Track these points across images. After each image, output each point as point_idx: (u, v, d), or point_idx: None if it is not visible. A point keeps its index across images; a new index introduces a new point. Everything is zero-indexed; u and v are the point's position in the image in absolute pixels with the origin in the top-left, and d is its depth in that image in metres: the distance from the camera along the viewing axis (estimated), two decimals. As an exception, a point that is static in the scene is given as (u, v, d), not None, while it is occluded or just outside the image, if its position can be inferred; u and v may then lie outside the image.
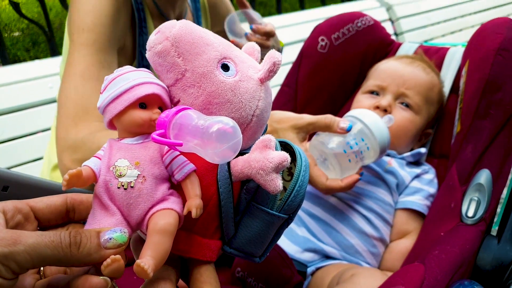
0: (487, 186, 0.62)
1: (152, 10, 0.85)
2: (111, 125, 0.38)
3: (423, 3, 2.83)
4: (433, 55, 0.91)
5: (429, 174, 0.76)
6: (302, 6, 2.56)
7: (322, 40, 0.88)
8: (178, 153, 0.36)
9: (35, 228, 0.37)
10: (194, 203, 0.35)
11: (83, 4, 0.74)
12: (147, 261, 0.32)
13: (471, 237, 0.58)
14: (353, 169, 0.66)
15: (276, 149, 0.38)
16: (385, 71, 0.82)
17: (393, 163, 0.75)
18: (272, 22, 2.01)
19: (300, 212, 0.72)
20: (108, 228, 0.34)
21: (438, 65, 0.89)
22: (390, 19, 2.61)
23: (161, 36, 0.38)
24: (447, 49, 0.91)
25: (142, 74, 0.38)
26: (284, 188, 0.40)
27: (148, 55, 0.39)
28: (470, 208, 0.62)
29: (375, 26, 0.94)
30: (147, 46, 0.40)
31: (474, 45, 0.76)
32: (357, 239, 0.69)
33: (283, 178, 0.42)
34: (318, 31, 0.90)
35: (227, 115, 0.38)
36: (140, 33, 0.80)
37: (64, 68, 0.73)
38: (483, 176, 0.63)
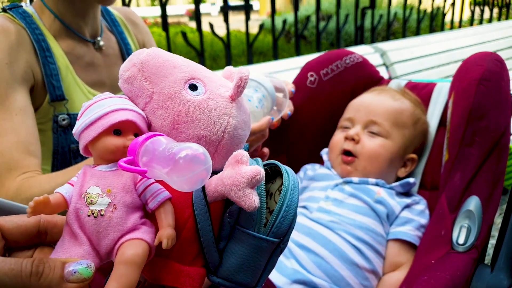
0: (476, 212, 0.61)
1: (58, 34, 0.84)
2: (87, 151, 0.38)
3: (416, 49, 2.93)
4: (421, 91, 0.93)
5: (420, 205, 0.76)
6: (297, 53, 2.64)
7: (311, 75, 0.91)
8: (153, 180, 0.36)
9: (1, 248, 0.35)
10: (166, 233, 0.34)
11: None
12: None
13: (463, 264, 0.56)
14: (261, 114, 0.69)
15: (251, 164, 0.38)
16: (355, 104, 0.86)
17: (382, 193, 0.75)
18: (269, 67, 2.07)
19: (289, 245, 0.70)
20: (74, 259, 0.33)
21: (426, 100, 0.91)
22: (385, 64, 2.68)
23: (129, 63, 0.40)
24: (434, 84, 0.93)
25: (119, 101, 0.38)
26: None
27: (119, 83, 0.40)
28: (461, 235, 0.60)
29: (364, 63, 0.97)
30: (119, 75, 0.41)
31: (458, 77, 0.78)
32: (348, 271, 0.67)
33: (274, 201, 0.41)
34: (307, 67, 0.92)
35: (196, 133, 0.38)
36: (45, 63, 0.79)
37: None
38: (473, 203, 0.62)
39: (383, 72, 2.62)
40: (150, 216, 0.37)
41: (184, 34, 2.23)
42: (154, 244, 0.34)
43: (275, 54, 2.57)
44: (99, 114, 0.37)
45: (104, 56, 0.90)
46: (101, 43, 0.89)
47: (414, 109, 0.83)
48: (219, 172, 0.38)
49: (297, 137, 0.91)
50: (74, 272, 0.31)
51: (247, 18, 2.41)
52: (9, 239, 0.35)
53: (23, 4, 0.85)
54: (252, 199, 0.35)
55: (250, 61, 2.47)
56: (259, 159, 0.41)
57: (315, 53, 2.75)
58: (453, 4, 3.51)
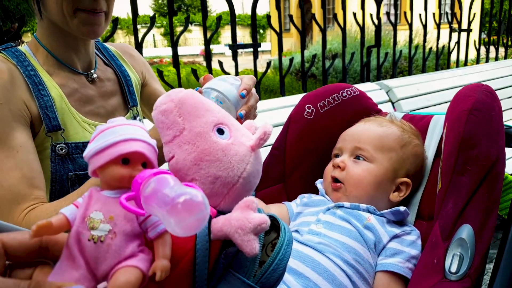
0: (469, 241, 0.61)
1: (52, 69, 0.88)
2: (95, 174, 0.40)
3: (422, 86, 2.96)
4: (418, 123, 0.95)
5: (411, 235, 0.75)
6: (304, 89, 2.70)
7: (309, 107, 0.94)
8: None
9: (3, 264, 0.36)
10: (160, 265, 0.35)
11: None
12: None
13: (453, 292, 0.55)
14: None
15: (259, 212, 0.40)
16: (344, 134, 0.89)
17: (372, 219, 0.75)
18: (276, 102, 2.11)
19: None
20: (69, 284, 0.34)
21: (423, 132, 0.92)
22: (390, 101, 2.72)
23: (167, 98, 0.44)
24: (431, 117, 0.95)
25: (131, 130, 0.40)
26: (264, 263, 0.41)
27: (153, 113, 0.44)
28: (453, 263, 0.60)
29: (361, 96, 0.99)
30: (154, 106, 0.44)
31: (451, 109, 0.80)
32: None
33: (266, 254, 0.43)
34: (305, 99, 0.95)
35: (215, 172, 0.41)
36: (39, 97, 0.83)
37: None
38: (465, 231, 0.62)
39: (389, 109, 2.65)
40: (149, 244, 0.38)
41: (194, 71, 2.31)
42: (148, 273, 0.35)
43: (282, 90, 2.63)
44: (110, 142, 0.38)
45: (98, 88, 0.95)
46: (94, 75, 0.94)
47: (401, 133, 0.85)
48: (226, 213, 0.40)
49: (294, 167, 0.92)
50: None
51: (255, 57, 2.49)
52: (11, 255, 0.36)
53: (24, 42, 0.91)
54: (254, 245, 0.38)
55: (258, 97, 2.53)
56: (261, 209, 0.43)
57: (322, 89, 2.80)
58: (458, 43, 3.58)
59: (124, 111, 0.99)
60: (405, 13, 3.21)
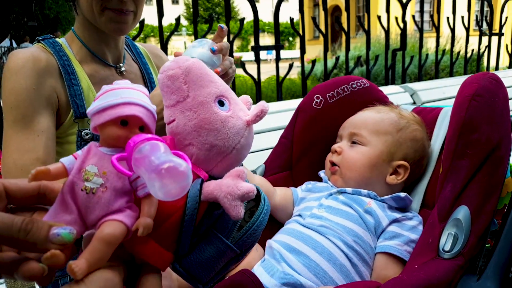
0: (464, 221, 0.61)
1: (84, 59, 0.94)
2: (96, 130, 0.43)
3: (448, 89, 2.90)
4: (428, 115, 0.95)
5: (413, 221, 0.75)
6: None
7: (317, 97, 0.96)
8: None
9: (4, 206, 0.40)
10: (144, 222, 0.37)
11: (7, 83, 0.85)
12: (79, 263, 0.35)
13: (444, 269, 0.56)
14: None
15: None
16: (345, 123, 0.91)
17: (372, 204, 0.76)
18: (296, 102, 2.14)
19: (280, 249, 0.72)
20: (60, 224, 0.36)
21: (432, 124, 0.92)
22: (414, 103, 2.68)
23: (175, 64, 0.47)
24: (441, 109, 0.95)
25: (133, 94, 0.43)
26: (242, 227, 0.45)
27: (159, 76, 0.47)
28: (447, 242, 0.60)
29: (371, 88, 1.00)
30: (161, 70, 0.47)
31: (456, 96, 0.80)
32: (337, 273, 0.68)
33: (244, 219, 0.46)
34: (314, 90, 0.97)
35: (212, 141, 0.45)
36: (70, 85, 0.89)
37: (3, 144, 0.82)
38: (461, 212, 0.62)
39: (413, 111, 2.60)
40: (137, 201, 0.41)
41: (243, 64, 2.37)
42: (132, 228, 0.38)
43: (304, 92, 2.65)
44: (111, 103, 0.41)
45: (125, 79, 1.00)
46: (123, 68, 1.00)
47: (398, 119, 0.86)
48: (217, 179, 0.44)
49: (301, 156, 0.94)
50: (58, 235, 0.35)
51: (278, 58, 2.53)
52: (12, 197, 0.40)
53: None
54: (240, 210, 0.41)
55: (279, 98, 2.56)
56: (247, 180, 0.46)
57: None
58: (488, 47, 3.49)
59: None
60: (431, 16, 3.17)
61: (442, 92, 2.90)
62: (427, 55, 3.18)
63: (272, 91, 6.25)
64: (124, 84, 0.44)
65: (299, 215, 0.80)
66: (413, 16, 2.98)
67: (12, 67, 0.84)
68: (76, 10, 0.92)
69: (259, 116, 0.47)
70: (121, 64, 1.01)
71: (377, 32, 8.39)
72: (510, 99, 0.96)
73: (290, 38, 28.17)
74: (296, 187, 0.91)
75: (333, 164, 0.85)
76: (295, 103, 2.13)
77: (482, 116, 0.68)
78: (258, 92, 2.46)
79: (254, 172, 0.95)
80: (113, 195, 0.39)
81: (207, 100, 0.45)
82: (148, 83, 1.06)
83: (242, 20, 2.43)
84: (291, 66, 2.60)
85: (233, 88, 2.35)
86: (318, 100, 0.95)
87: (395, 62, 3.06)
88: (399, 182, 0.81)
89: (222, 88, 0.48)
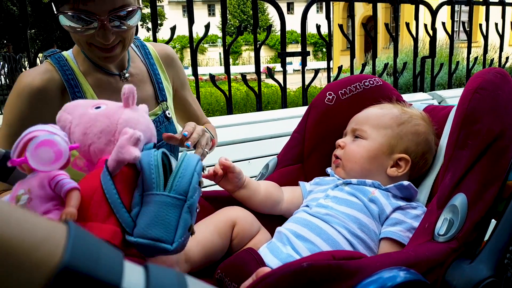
0: (461, 208, 0.62)
1: (87, 71, 1.01)
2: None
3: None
4: (439, 113, 0.96)
5: (417, 210, 0.77)
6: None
7: (330, 94, 0.99)
8: (63, 177, 0.49)
9: None
10: (67, 211, 0.46)
11: (9, 102, 0.94)
12: None
13: (437, 249, 0.58)
14: None
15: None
16: (351, 120, 0.94)
17: (376, 193, 0.78)
18: (278, 113, 2.17)
19: (287, 233, 0.75)
20: None
21: (443, 122, 0.93)
22: (443, 111, 2.62)
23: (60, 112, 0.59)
24: (452, 107, 0.95)
25: (39, 127, 0.53)
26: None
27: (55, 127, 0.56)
28: (443, 227, 0.62)
29: (384, 86, 1.03)
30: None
31: (463, 91, 0.81)
32: None
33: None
34: (327, 87, 1.01)
35: (98, 129, 0.54)
36: (74, 98, 0.96)
37: None
38: (459, 199, 0.64)
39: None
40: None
41: (244, 77, 2.44)
42: (59, 220, 0.46)
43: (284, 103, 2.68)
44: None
45: (130, 84, 1.06)
46: (127, 74, 1.06)
47: (400, 114, 0.88)
48: None
49: (313, 150, 0.97)
50: None
51: (304, 64, 2.57)
52: None
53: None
54: (131, 151, 0.48)
55: (305, 103, 2.59)
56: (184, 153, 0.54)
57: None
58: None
59: (155, 104, 1.10)
60: (463, 23, 3.12)
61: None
62: (457, 62, 3.13)
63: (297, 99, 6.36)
64: (34, 128, 0.54)
65: (307, 205, 0.83)
66: (443, 23, 2.94)
67: (16, 89, 0.93)
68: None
69: (127, 97, 0.58)
70: (124, 71, 1.06)
71: (411, 41, 8.27)
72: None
73: (324, 50, 28.10)
74: (307, 179, 0.95)
75: (336, 157, 0.89)
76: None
77: (484, 108, 0.70)
78: (284, 98, 2.50)
79: (267, 164, 0.99)
80: (38, 202, 0.48)
81: (84, 111, 0.56)
82: (156, 83, 1.11)
83: (270, 27, 2.49)
84: (316, 73, 2.63)
85: (259, 95, 2.41)
86: (331, 97, 0.99)
87: (424, 70, 3.02)
88: (399, 174, 0.83)
89: (97, 101, 0.59)
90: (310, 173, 0.97)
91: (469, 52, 3.15)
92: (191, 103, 1.26)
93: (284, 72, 2.52)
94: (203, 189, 1.06)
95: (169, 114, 1.13)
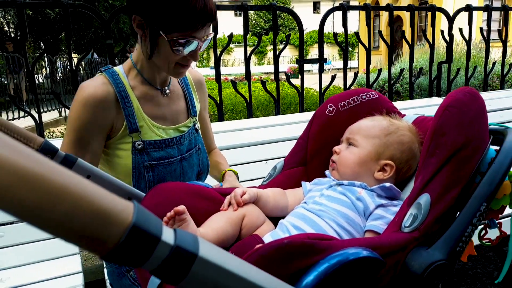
0: (424, 205, 0.77)
1: (135, 84, 1.19)
2: None
3: (495, 102, 2.89)
4: (428, 123, 1.10)
5: (397, 207, 0.91)
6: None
7: (330, 106, 1.14)
8: None
9: None
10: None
11: (74, 110, 1.11)
12: None
13: (400, 237, 0.73)
14: None
15: None
16: (346, 130, 1.09)
17: (363, 193, 0.93)
18: (295, 117, 2.32)
19: (287, 224, 0.92)
20: None
21: (431, 131, 1.06)
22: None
23: None
24: (440, 117, 1.09)
25: None
26: None
27: None
28: (408, 220, 0.77)
29: (380, 99, 1.17)
30: None
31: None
32: None
33: None
34: (328, 100, 1.16)
35: None
36: (124, 107, 1.15)
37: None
38: (424, 198, 0.78)
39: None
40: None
41: (263, 83, 2.60)
42: None
43: (300, 106, 2.81)
44: None
45: (168, 100, 1.28)
46: (167, 91, 1.27)
47: (388, 125, 1.02)
48: None
49: (315, 154, 1.13)
50: None
51: (321, 71, 2.71)
52: None
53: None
54: None
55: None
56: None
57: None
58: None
59: (186, 117, 1.32)
60: (481, 28, 3.17)
61: (488, 104, 2.89)
62: (475, 67, 3.18)
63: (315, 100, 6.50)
64: None
65: (305, 202, 0.99)
66: (460, 29, 3.01)
67: (79, 99, 1.11)
68: (151, 56, 1.14)
69: None
70: (166, 88, 1.26)
71: (437, 44, 8.20)
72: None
73: (350, 49, 27.91)
74: (309, 180, 1.10)
75: (332, 162, 1.04)
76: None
77: (451, 123, 0.84)
78: (301, 103, 2.65)
79: (275, 166, 1.15)
80: None
81: None
82: (189, 100, 1.33)
83: (288, 36, 2.65)
84: (333, 78, 2.77)
85: (278, 100, 2.57)
86: (331, 109, 1.14)
87: (441, 75, 3.10)
88: (385, 178, 0.98)
89: None
90: (312, 174, 1.12)
91: (487, 57, 3.20)
92: (208, 125, 1.49)
93: (302, 78, 2.66)
94: (218, 185, 1.24)
95: (198, 126, 1.35)
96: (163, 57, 1.13)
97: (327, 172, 1.09)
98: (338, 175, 1.02)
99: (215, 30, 2.28)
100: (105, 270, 1.37)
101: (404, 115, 1.18)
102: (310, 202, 0.97)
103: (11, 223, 1.62)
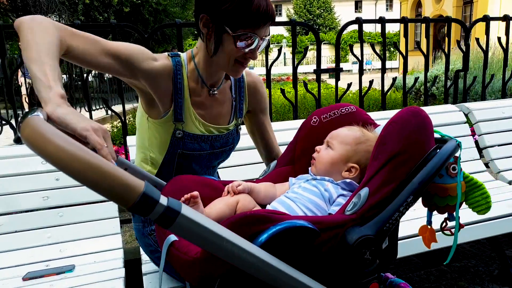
0: (363, 195, 1.04)
1: (191, 77, 1.30)
2: None
3: (509, 109, 2.99)
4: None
5: None
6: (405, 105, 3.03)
7: (315, 118, 1.42)
8: None
9: None
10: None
11: (152, 57, 1.23)
12: None
13: (339, 217, 1.00)
14: None
15: None
16: (329, 134, 1.33)
17: (329, 185, 1.21)
18: (378, 114, 2.57)
19: (270, 207, 1.21)
20: None
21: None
22: (469, 122, 2.85)
23: None
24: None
25: None
26: None
27: None
28: (350, 206, 1.04)
29: (357, 112, 1.43)
30: None
31: (394, 121, 1.20)
32: None
33: None
34: (313, 113, 1.44)
35: None
36: (176, 97, 1.29)
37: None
38: (364, 191, 1.05)
39: (465, 130, 2.81)
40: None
41: (282, 91, 2.89)
42: None
43: (383, 105, 3.03)
44: None
45: (213, 101, 1.40)
46: (215, 92, 1.39)
47: (360, 136, 1.27)
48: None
49: (301, 156, 1.41)
50: None
51: (337, 79, 2.95)
52: None
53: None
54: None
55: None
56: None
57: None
58: None
59: (227, 122, 1.45)
60: (499, 38, 3.27)
61: (502, 112, 3.00)
62: (492, 75, 3.29)
63: (354, 101, 6.59)
64: None
65: (287, 192, 1.28)
66: (477, 39, 3.14)
67: (156, 56, 1.26)
68: (215, 54, 1.24)
69: None
70: (215, 89, 1.38)
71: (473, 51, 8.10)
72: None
73: (392, 49, 27.33)
74: (296, 176, 1.39)
75: (313, 158, 1.32)
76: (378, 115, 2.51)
77: (392, 134, 1.09)
78: (318, 108, 2.91)
79: (270, 165, 1.45)
80: None
81: None
82: (232, 108, 1.45)
83: (306, 48, 2.91)
84: (349, 86, 3.00)
85: (295, 106, 2.84)
86: (315, 120, 1.42)
87: (458, 82, 3.24)
88: (350, 177, 1.25)
89: None
90: (298, 172, 1.41)
91: (505, 66, 3.30)
92: (267, 128, 1.59)
93: (319, 87, 2.92)
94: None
95: (240, 128, 1.52)
96: (225, 54, 1.22)
97: (309, 169, 1.37)
98: (315, 170, 1.29)
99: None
100: (135, 234, 1.71)
101: (379, 125, 1.43)
102: (290, 191, 1.26)
103: (70, 205, 2.00)
